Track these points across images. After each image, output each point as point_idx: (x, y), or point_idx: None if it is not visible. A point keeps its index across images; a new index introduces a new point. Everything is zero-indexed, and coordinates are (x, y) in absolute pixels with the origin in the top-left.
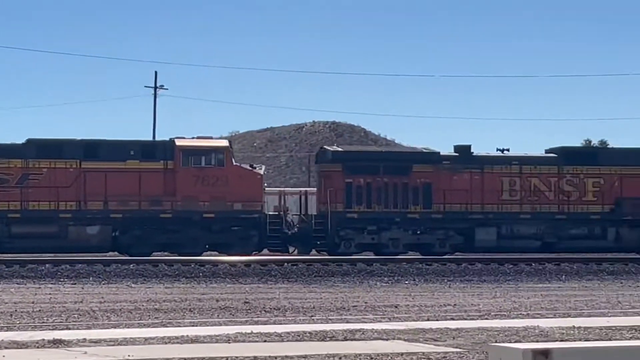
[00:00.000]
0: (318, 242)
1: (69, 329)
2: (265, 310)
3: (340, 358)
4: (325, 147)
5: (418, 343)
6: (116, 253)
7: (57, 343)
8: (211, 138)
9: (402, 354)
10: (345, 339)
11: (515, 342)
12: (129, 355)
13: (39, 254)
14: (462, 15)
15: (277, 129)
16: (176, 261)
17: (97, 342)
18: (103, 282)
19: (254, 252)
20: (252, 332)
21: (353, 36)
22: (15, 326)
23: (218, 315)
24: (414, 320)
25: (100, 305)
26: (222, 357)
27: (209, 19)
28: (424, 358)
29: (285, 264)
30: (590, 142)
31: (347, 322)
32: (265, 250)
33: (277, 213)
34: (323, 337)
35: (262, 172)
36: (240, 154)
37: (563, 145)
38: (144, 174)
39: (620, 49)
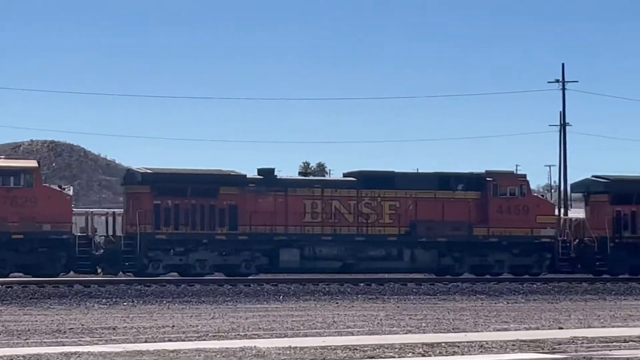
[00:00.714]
0: (127, 263)
1: None
2: None
3: None
4: (133, 168)
5: None
6: None
7: None
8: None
9: None
10: None
11: None
12: None
13: None
14: (226, 38)
15: None
16: None
17: None
18: None
19: (62, 274)
20: None
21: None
22: None
23: None
24: (131, 342)
25: None
26: None
27: None
28: None
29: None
30: (308, 164)
31: (63, 345)
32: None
33: (85, 234)
34: None
35: (71, 193)
36: None
37: (362, 170)
38: None
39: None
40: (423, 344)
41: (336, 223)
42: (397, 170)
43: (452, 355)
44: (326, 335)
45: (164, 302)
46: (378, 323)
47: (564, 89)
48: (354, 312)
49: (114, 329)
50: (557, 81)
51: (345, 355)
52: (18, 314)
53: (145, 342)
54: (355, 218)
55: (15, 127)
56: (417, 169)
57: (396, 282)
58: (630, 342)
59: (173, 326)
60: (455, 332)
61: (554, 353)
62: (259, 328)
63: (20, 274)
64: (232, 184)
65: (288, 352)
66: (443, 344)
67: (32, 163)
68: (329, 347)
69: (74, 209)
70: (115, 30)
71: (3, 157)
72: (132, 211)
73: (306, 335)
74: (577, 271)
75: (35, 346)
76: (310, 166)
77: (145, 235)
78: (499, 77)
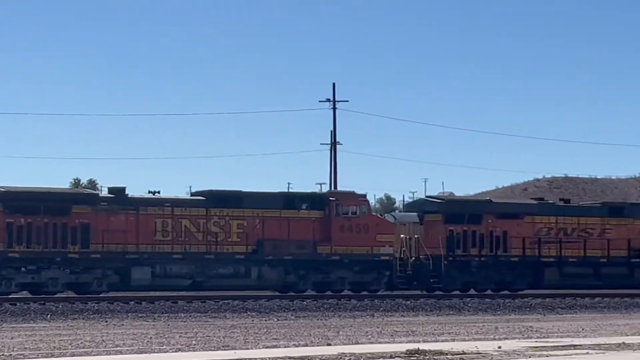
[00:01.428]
0: None
1: None
2: None
3: None
4: None
5: None
6: None
7: None
8: None
9: None
10: None
11: None
12: None
13: None
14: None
15: None
16: None
17: None
18: None
19: None
20: None
21: None
22: None
23: None
24: None
25: None
26: None
27: None
28: None
29: None
30: (79, 180)
31: None
32: None
33: None
34: None
35: None
36: None
37: (211, 189)
38: None
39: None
40: None
41: (186, 241)
42: (244, 189)
43: None
44: (94, 355)
45: None
46: (148, 341)
47: (334, 108)
48: (124, 331)
49: None
50: (328, 100)
51: None
52: None
53: None
54: (205, 236)
55: None
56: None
57: (167, 300)
58: (396, 358)
59: None
60: (225, 349)
61: None
62: (25, 347)
63: None
64: (84, 202)
65: None
66: None
67: None
68: None
69: None
70: None
71: None
72: None
73: (73, 355)
74: (413, 288)
75: None
76: (81, 182)
77: None
78: (273, 94)
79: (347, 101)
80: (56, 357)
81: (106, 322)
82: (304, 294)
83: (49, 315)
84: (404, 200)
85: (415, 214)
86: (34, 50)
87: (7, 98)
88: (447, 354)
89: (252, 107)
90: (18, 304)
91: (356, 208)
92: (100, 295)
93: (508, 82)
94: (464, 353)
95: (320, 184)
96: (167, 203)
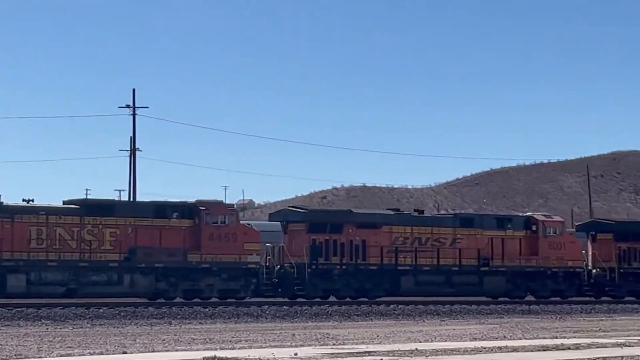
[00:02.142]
0: None
1: None
2: None
3: None
4: None
5: None
6: None
7: None
8: None
9: None
10: None
11: None
12: None
13: None
14: None
15: None
16: None
17: None
18: None
19: None
20: None
21: None
22: None
23: None
24: None
25: None
26: None
27: None
28: None
29: None
30: None
31: None
32: None
33: None
34: None
35: None
36: None
37: (85, 198)
38: None
39: None
40: None
41: (61, 249)
42: (116, 199)
43: None
44: None
45: None
46: None
47: (134, 114)
48: None
49: None
50: (128, 106)
51: None
52: None
53: None
54: (79, 244)
55: None
56: None
57: None
58: None
59: None
60: (17, 358)
61: None
62: None
63: None
64: None
65: None
66: None
67: None
68: None
69: None
70: None
71: None
72: None
73: None
74: (278, 295)
75: None
76: None
77: None
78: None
79: (148, 107)
80: None
81: None
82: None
83: None
84: None
85: (279, 223)
86: None
87: None
88: None
89: (51, 112)
90: None
91: (225, 217)
92: None
93: (305, 90)
94: None
95: (120, 191)
96: (42, 211)
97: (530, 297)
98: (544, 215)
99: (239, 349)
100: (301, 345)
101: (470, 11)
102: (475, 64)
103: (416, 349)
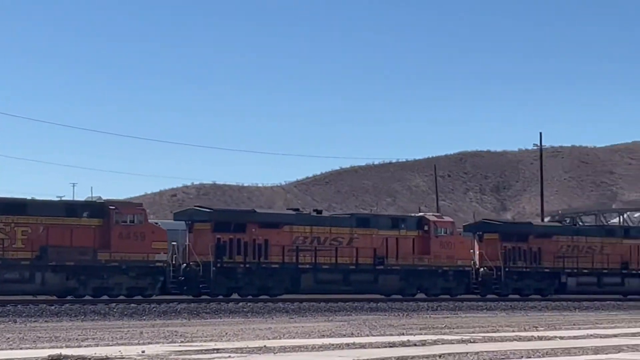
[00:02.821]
0: None
1: None
2: None
3: None
4: None
5: None
6: None
7: None
8: None
9: None
10: None
11: None
12: None
13: None
14: None
15: None
16: None
17: None
18: None
19: None
20: None
21: None
22: None
23: None
24: None
25: None
26: None
27: None
28: None
29: None
30: None
31: None
32: None
33: None
34: None
35: None
36: None
37: None
38: None
39: None
40: None
41: None
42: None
43: None
44: None
45: None
46: None
47: None
48: None
49: None
50: None
51: None
52: None
53: None
54: None
55: None
56: None
57: None
58: None
59: None
60: None
61: None
62: None
63: None
64: None
65: None
66: None
67: None
68: None
69: None
70: None
71: None
72: None
73: None
74: (184, 293)
75: None
76: None
77: None
78: None
79: None
80: None
81: None
82: None
83: None
84: None
85: (183, 222)
86: None
87: None
88: (90, 358)
89: None
90: None
91: (134, 216)
92: None
93: (154, 86)
94: (108, 358)
95: None
96: None
97: (420, 295)
98: (435, 215)
99: (85, 347)
100: (149, 343)
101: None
102: (319, 63)
103: (265, 346)
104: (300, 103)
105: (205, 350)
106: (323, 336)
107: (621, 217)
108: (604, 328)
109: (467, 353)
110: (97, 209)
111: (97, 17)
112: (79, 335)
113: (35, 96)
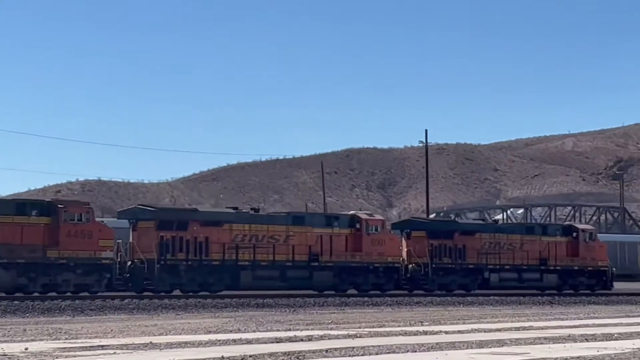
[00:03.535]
0: None
1: None
2: None
3: None
4: None
5: None
6: None
7: None
8: None
9: None
10: None
11: None
12: None
13: None
14: None
15: None
16: None
17: None
18: None
19: None
20: None
21: None
22: None
23: None
24: None
25: None
26: None
27: None
28: None
29: None
30: None
31: None
32: None
33: None
34: None
35: None
36: None
37: None
38: None
39: None
40: None
41: None
42: None
43: None
44: None
45: None
46: None
47: None
48: None
49: None
50: None
51: None
52: None
53: None
54: None
55: None
56: None
57: None
58: None
59: None
60: None
61: None
62: None
63: None
64: None
65: None
66: None
67: None
68: None
69: None
70: None
71: None
72: None
73: None
74: (129, 289)
75: None
76: None
77: None
78: None
79: None
80: None
81: None
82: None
83: None
84: None
85: (126, 220)
86: None
87: None
88: None
89: None
90: None
91: (82, 215)
92: None
93: (39, 79)
94: None
95: None
96: None
97: (352, 290)
98: (366, 214)
99: None
100: (32, 340)
101: None
102: (205, 59)
103: (151, 342)
104: (186, 99)
105: (90, 347)
106: (210, 332)
107: (504, 213)
108: (487, 322)
109: (353, 348)
110: (45, 207)
111: None
112: None
113: None
